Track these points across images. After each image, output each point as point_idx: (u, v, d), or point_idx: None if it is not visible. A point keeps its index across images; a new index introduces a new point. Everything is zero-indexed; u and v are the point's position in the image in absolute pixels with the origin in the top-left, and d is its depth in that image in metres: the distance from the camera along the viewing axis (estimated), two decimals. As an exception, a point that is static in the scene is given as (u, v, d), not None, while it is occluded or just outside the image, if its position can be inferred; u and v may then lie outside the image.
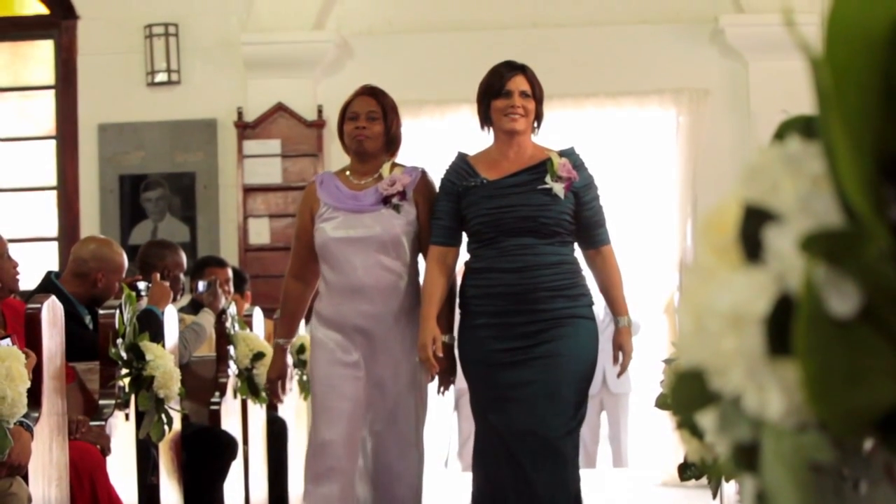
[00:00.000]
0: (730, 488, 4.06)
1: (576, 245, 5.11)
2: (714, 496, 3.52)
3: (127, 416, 5.40)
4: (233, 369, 6.87)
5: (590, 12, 9.53)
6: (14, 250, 5.49)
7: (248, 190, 9.44)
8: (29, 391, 4.03)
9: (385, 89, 5.38)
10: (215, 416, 6.61)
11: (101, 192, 9.63)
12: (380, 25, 9.61)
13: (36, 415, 4.34)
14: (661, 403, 3.49)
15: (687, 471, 3.49)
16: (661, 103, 9.33)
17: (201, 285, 7.06)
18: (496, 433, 4.92)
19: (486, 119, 5.13)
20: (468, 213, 5.04)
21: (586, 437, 9.49)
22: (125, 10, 9.65)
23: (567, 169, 5.00)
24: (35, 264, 8.34)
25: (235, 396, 6.91)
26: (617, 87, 9.34)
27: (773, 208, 0.88)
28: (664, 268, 9.31)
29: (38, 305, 4.54)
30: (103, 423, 5.15)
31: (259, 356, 6.79)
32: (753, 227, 0.89)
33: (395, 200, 5.10)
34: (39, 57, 9.97)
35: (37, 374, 4.35)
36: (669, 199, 9.33)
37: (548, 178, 4.99)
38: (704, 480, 3.54)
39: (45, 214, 9.88)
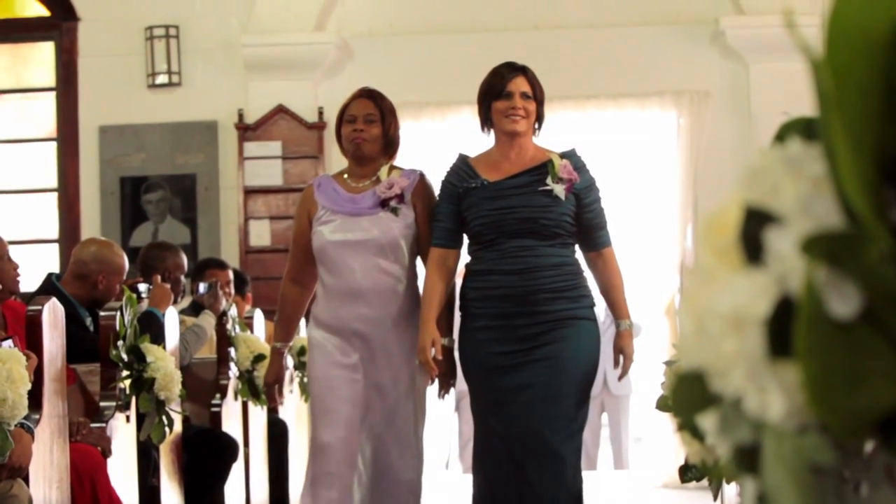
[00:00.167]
0: (731, 490, 4.06)
1: (577, 246, 5.10)
2: (715, 498, 3.52)
3: (128, 418, 5.40)
4: (233, 371, 6.87)
5: (590, 14, 9.53)
6: (15, 252, 5.49)
7: (249, 192, 9.44)
8: (30, 393, 4.03)
9: (386, 91, 5.37)
10: (216, 418, 6.62)
11: (101, 193, 9.63)
12: (380, 27, 9.62)
13: (37, 417, 4.34)
14: (662, 405, 3.49)
15: (688, 473, 3.49)
16: (662, 105, 9.34)
17: (202, 287, 7.06)
18: (497, 435, 4.91)
19: (486, 120, 5.12)
20: (468, 214, 5.02)
21: (587, 439, 9.47)
22: (126, 12, 9.65)
23: (568, 170, 4.98)
24: (36, 266, 8.34)
25: (236, 398, 6.91)
26: (618, 88, 9.34)
27: (774, 210, 0.88)
28: (665, 269, 9.31)
29: (39, 307, 4.54)
30: (104, 424, 5.15)
31: (260, 358, 6.79)
32: (754, 228, 0.89)
33: (393, 203, 5.08)
34: (40, 59, 9.98)
35: (37, 376, 4.35)
36: (670, 200, 9.33)
37: (549, 180, 4.97)
38: (705, 482, 3.54)
39: (45, 216, 9.88)
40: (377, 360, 5.04)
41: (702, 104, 9.31)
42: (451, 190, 5.08)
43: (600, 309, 5.28)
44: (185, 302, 7.41)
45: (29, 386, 4.02)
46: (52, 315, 4.63)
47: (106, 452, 5.06)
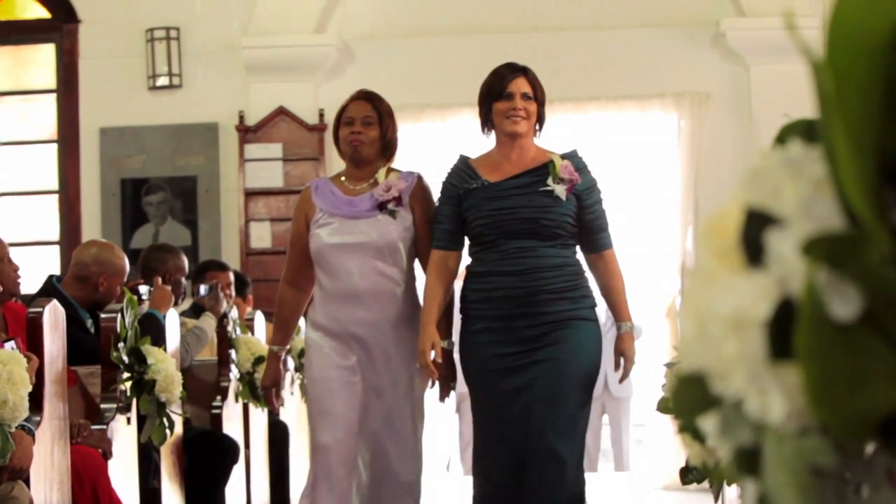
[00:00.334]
0: (731, 492, 4.06)
1: (578, 247, 5.08)
2: (716, 500, 3.52)
3: (128, 420, 5.40)
4: (234, 373, 6.87)
5: (591, 16, 9.53)
6: (15, 254, 5.50)
7: (250, 194, 9.44)
8: (30, 395, 4.03)
9: (386, 93, 5.36)
10: (217, 420, 6.62)
11: (102, 195, 9.63)
12: (381, 29, 9.62)
13: (37, 419, 4.34)
14: (663, 407, 3.49)
15: (688, 475, 3.49)
16: (663, 107, 9.34)
17: (203, 289, 7.06)
18: (498, 437, 4.90)
19: (487, 122, 5.10)
20: (469, 215, 5.00)
21: (588, 441, 9.47)
22: (127, 14, 9.66)
23: (569, 171, 4.96)
24: (36, 268, 8.34)
25: (237, 400, 6.91)
26: (618, 90, 9.34)
27: (775, 212, 0.88)
28: (666, 271, 9.31)
29: (40, 309, 4.54)
30: (105, 426, 5.15)
31: (261, 360, 6.79)
32: (755, 230, 0.89)
33: (391, 206, 5.06)
34: (41, 61, 9.98)
35: (38, 378, 4.35)
36: (671, 202, 9.34)
37: (550, 180, 4.95)
38: (706, 484, 3.54)
39: (46, 218, 9.88)
40: (375, 363, 5.03)
41: (702, 106, 9.31)
42: (451, 191, 5.07)
43: (601, 310, 5.26)
44: (186, 304, 7.41)
45: (30, 388, 4.02)
46: (53, 317, 4.63)
47: (107, 454, 5.06)
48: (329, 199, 5.13)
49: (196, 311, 7.13)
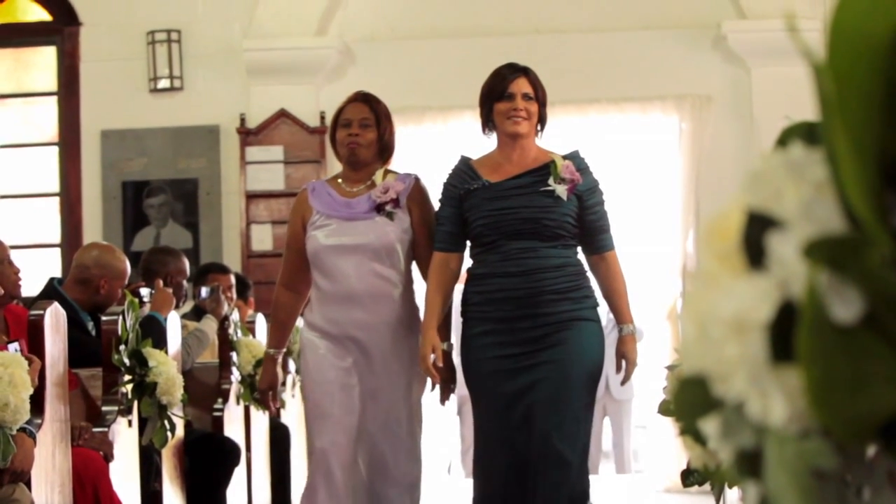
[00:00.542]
0: (733, 494, 4.05)
1: (579, 248, 5.06)
2: (717, 502, 3.52)
3: (130, 423, 5.40)
4: (235, 376, 6.87)
5: (592, 18, 9.53)
6: (17, 257, 5.49)
7: (251, 196, 9.44)
8: (32, 398, 4.03)
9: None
10: (218, 423, 6.61)
11: (103, 198, 9.64)
12: (382, 32, 9.62)
13: (39, 421, 4.34)
14: (664, 410, 3.49)
15: (690, 477, 3.49)
16: (664, 109, 9.34)
17: (204, 292, 7.06)
18: (499, 440, 4.88)
19: (488, 122, 5.08)
20: (470, 215, 4.97)
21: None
22: (128, 17, 9.66)
23: (570, 171, 4.94)
24: (38, 271, 8.34)
25: (238, 403, 6.91)
26: (620, 93, 9.34)
27: (776, 214, 0.88)
28: (667, 274, 9.31)
29: (41, 312, 4.54)
30: (106, 429, 5.15)
31: (262, 363, 6.79)
32: (756, 233, 0.89)
33: (388, 208, 5.03)
34: (42, 63, 9.98)
35: (40, 380, 4.34)
36: (672, 205, 9.34)
37: (551, 180, 4.92)
38: (707, 487, 3.54)
39: (47, 221, 9.89)
40: (373, 366, 4.99)
41: (704, 108, 9.32)
42: (451, 192, 5.05)
43: (603, 312, 5.23)
44: (187, 306, 7.41)
45: (31, 390, 4.02)
46: (54, 319, 4.63)
47: (108, 457, 5.06)
48: (326, 200, 5.11)
49: (197, 313, 7.13)
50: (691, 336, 0.93)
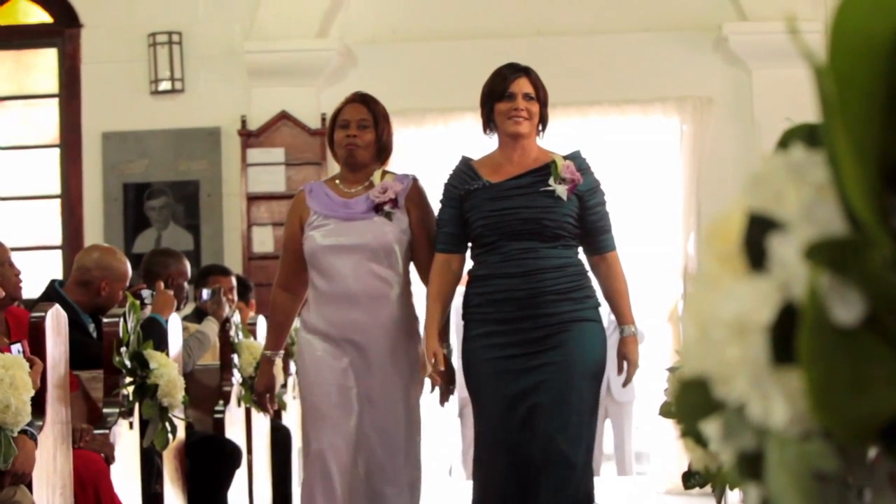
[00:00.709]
0: (734, 496, 4.05)
1: (580, 248, 5.04)
2: (718, 504, 3.52)
3: (131, 425, 5.40)
4: (237, 378, 6.87)
5: (593, 20, 9.54)
6: (18, 259, 5.50)
7: (252, 198, 9.45)
8: (33, 399, 4.03)
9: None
10: (219, 425, 6.61)
11: (104, 200, 9.64)
12: (383, 34, 9.62)
13: (40, 423, 4.34)
14: (666, 412, 3.49)
15: (691, 479, 3.49)
16: (665, 111, 9.34)
17: (205, 294, 7.06)
18: (499, 441, 4.86)
19: (489, 122, 5.06)
20: (470, 216, 4.96)
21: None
22: (129, 19, 9.66)
23: (571, 171, 4.91)
24: (39, 273, 8.34)
25: (239, 405, 6.91)
26: (620, 95, 9.34)
27: (777, 216, 0.88)
28: (668, 276, 9.31)
29: (42, 314, 4.54)
30: (107, 431, 5.15)
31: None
32: (757, 235, 0.89)
33: (386, 208, 5.01)
34: (43, 65, 9.99)
35: (41, 382, 4.34)
36: (673, 206, 9.34)
37: (551, 181, 4.90)
38: (709, 489, 3.54)
39: (48, 223, 9.89)
40: (370, 367, 4.97)
41: (705, 110, 9.32)
42: (452, 193, 5.03)
43: (604, 313, 5.20)
44: (188, 308, 7.41)
45: (32, 392, 4.02)
46: (56, 321, 4.63)
47: (109, 459, 5.06)
48: (324, 201, 5.09)
49: (198, 315, 7.13)
50: (692, 338, 0.93)
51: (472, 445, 5.23)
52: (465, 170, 5.04)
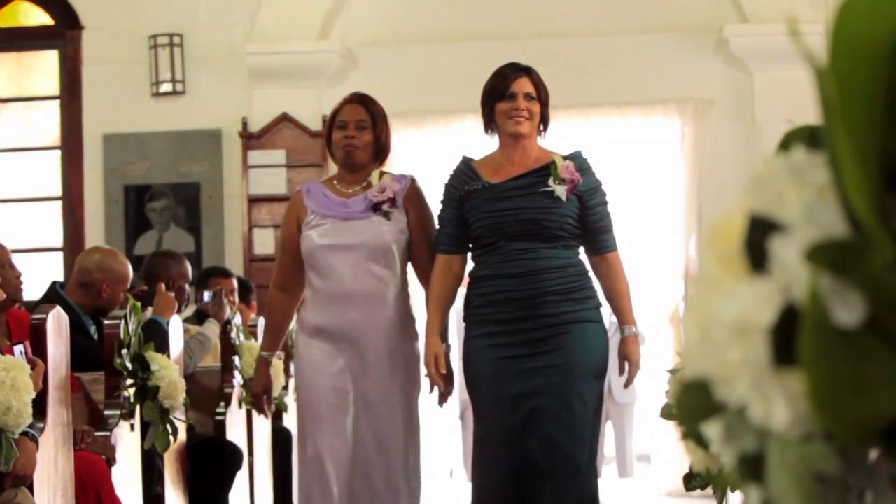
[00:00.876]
0: (735, 498, 4.05)
1: (582, 249, 5.03)
2: (719, 506, 3.52)
3: (132, 427, 5.40)
4: (238, 380, 6.87)
5: (594, 22, 9.54)
6: (19, 261, 5.50)
7: (253, 200, 9.45)
8: (34, 402, 4.03)
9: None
10: (220, 427, 6.61)
11: (105, 202, 9.64)
12: (384, 35, 9.62)
13: (41, 425, 4.34)
14: (667, 413, 3.48)
15: (692, 481, 3.48)
16: (666, 113, 9.34)
17: (206, 296, 7.06)
18: (498, 443, 4.84)
19: (490, 122, 5.04)
20: (470, 216, 4.94)
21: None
22: (130, 21, 9.67)
23: (570, 171, 4.89)
24: (40, 275, 8.34)
25: (240, 407, 6.91)
26: (621, 97, 9.34)
27: (779, 218, 0.88)
28: (669, 277, 9.31)
29: (44, 316, 4.54)
30: (108, 433, 5.15)
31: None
32: (758, 237, 0.89)
33: (385, 207, 4.99)
34: (44, 67, 9.99)
35: (42, 384, 4.34)
36: (674, 208, 9.34)
37: (550, 181, 4.89)
38: (710, 490, 3.53)
39: (49, 225, 9.89)
40: (367, 368, 4.94)
41: (706, 112, 9.32)
42: (452, 194, 5.02)
43: (606, 314, 5.18)
44: (190, 310, 7.41)
45: (34, 394, 4.02)
46: (57, 323, 4.63)
47: (110, 461, 5.06)
48: (322, 201, 5.07)
49: (199, 317, 7.13)
50: (693, 340, 0.93)
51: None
52: (466, 170, 5.03)
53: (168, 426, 5.40)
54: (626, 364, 4.99)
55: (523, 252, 4.87)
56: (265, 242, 9.40)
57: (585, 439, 4.82)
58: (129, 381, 5.30)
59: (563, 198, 4.88)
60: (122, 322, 5.25)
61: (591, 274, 5.02)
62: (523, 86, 4.97)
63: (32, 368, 4.13)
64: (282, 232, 5.27)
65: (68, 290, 5.89)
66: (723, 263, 0.92)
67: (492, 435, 4.89)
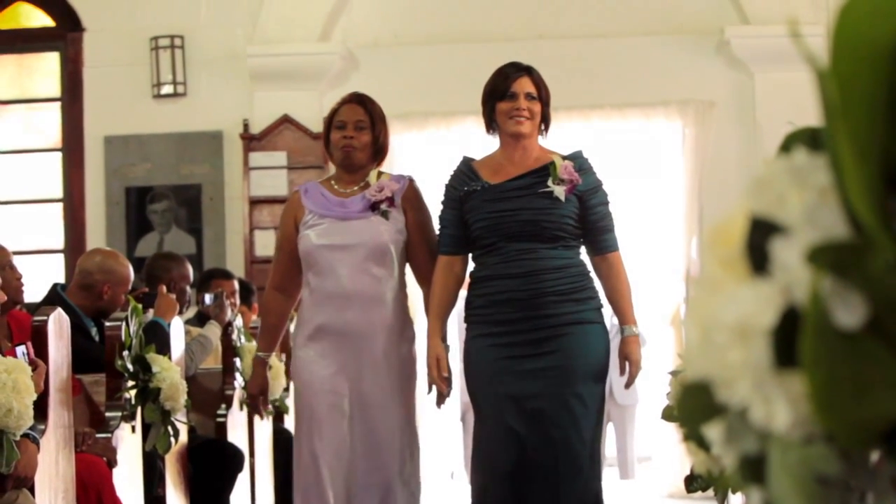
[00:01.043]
0: (736, 500, 4.05)
1: (582, 249, 5.01)
2: (721, 508, 3.51)
3: (133, 429, 5.40)
4: (239, 381, 6.86)
5: (596, 24, 9.54)
6: (20, 262, 5.50)
7: (254, 202, 9.45)
8: (35, 403, 4.03)
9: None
10: (222, 429, 6.61)
11: (107, 204, 9.65)
12: (385, 37, 9.63)
13: (42, 427, 4.34)
14: (668, 415, 3.48)
15: (693, 483, 3.48)
16: (667, 115, 9.34)
17: (208, 297, 7.06)
18: (498, 444, 4.84)
19: (491, 122, 5.03)
20: (470, 217, 4.93)
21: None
22: (131, 23, 9.67)
23: (569, 171, 4.87)
24: (41, 276, 8.35)
25: (242, 408, 6.91)
26: (623, 98, 9.34)
27: (780, 220, 0.88)
28: (670, 279, 9.31)
29: (45, 317, 4.54)
30: (110, 435, 5.15)
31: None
32: (760, 238, 0.89)
33: (383, 206, 4.98)
34: (46, 69, 9.99)
35: (43, 386, 4.34)
36: (675, 210, 9.34)
37: (549, 181, 4.88)
38: (711, 492, 3.53)
39: (51, 227, 9.89)
40: (362, 368, 4.92)
41: (707, 114, 9.32)
42: (452, 194, 5.01)
43: (607, 314, 5.17)
44: (191, 312, 7.41)
45: (35, 396, 4.02)
46: (58, 325, 4.63)
47: (111, 463, 5.06)
48: (319, 200, 5.06)
49: (201, 319, 7.13)
50: (695, 341, 0.93)
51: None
52: (465, 171, 5.02)
53: (169, 428, 5.40)
54: (627, 364, 4.97)
55: (523, 252, 4.86)
56: (266, 244, 9.40)
57: (586, 441, 4.81)
58: (131, 383, 5.30)
59: (562, 198, 4.86)
60: (124, 324, 5.25)
61: (593, 274, 5.00)
62: (524, 85, 4.96)
63: (34, 370, 4.13)
64: (279, 232, 5.25)
65: (69, 292, 5.89)
66: (724, 265, 0.92)
67: (492, 436, 4.88)
